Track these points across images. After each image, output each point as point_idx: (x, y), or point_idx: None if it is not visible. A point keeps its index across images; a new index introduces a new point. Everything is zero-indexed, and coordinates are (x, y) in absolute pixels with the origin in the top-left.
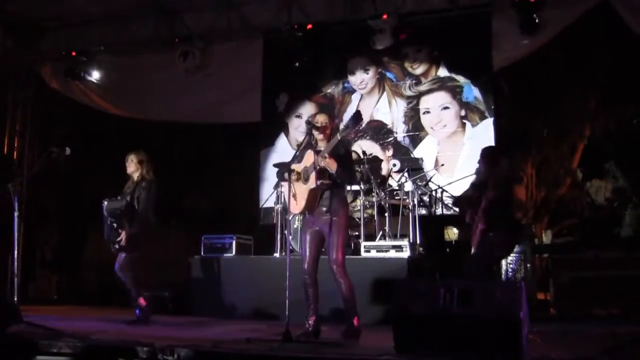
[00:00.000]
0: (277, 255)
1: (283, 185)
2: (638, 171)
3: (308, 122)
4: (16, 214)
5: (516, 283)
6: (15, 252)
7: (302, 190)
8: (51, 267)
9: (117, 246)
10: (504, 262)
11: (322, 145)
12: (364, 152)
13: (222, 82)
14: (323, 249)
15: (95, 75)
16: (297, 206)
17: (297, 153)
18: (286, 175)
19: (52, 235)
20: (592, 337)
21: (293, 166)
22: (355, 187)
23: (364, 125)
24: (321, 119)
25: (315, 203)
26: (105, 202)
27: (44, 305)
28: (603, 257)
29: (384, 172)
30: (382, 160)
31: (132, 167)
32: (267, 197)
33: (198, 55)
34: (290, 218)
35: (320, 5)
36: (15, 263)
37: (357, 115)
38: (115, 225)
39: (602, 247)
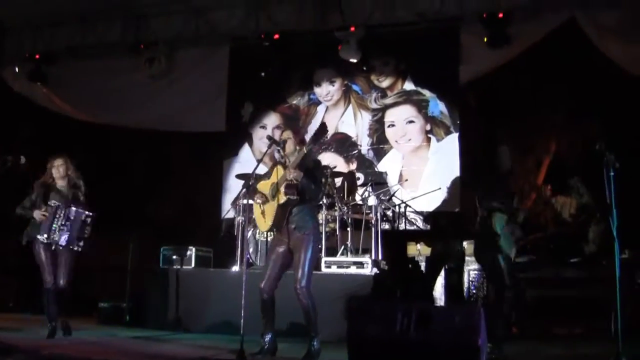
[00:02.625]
0: (236, 268)
1: (242, 199)
2: (602, 188)
3: (269, 138)
4: None
5: (475, 308)
6: None
7: (270, 207)
8: (9, 272)
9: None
10: (466, 278)
11: (285, 161)
12: (326, 166)
13: (187, 90)
14: (288, 269)
15: (59, 79)
16: (265, 223)
17: (258, 170)
18: (257, 196)
19: (10, 239)
20: (552, 357)
21: (260, 183)
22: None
23: (328, 137)
24: (286, 135)
25: (283, 220)
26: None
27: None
28: (565, 277)
29: (356, 187)
30: (355, 176)
31: (62, 171)
32: (229, 208)
33: (164, 62)
34: (249, 233)
35: (289, 15)
36: None
37: (323, 128)
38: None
39: (564, 266)
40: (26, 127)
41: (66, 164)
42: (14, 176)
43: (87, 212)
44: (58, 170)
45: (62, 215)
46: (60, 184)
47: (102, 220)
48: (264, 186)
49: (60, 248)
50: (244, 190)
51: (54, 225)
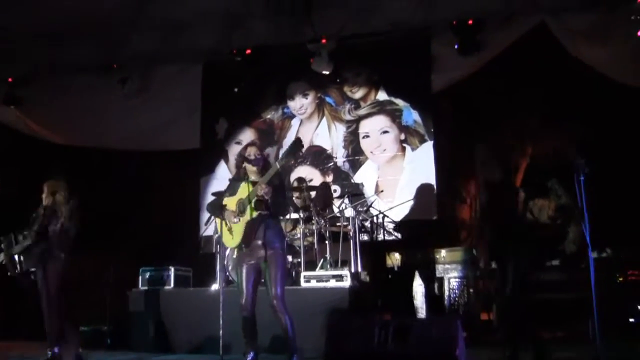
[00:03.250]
0: (215, 286)
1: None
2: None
3: (240, 155)
4: None
5: (453, 319)
6: None
7: (238, 224)
8: None
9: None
10: (446, 287)
11: (253, 177)
12: (302, 179)
13: (161, 107)
14: (262, 281)
15: (31, 101)
16: (233, 240)
17: (229, 187)
18: (225, 213)
19: None
20: None
21: (225, 200)
22: (295, 215)
23: (303, 152)
24: (253, 151)
25: (252, 236)
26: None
27: None
28: (546, 280)
29: (332, 198)
30: (330, 187)
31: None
32: (204, 224)
33: (137, 80)
34: (227, 252)
35: (261, 29)
36: None
37: (297, 143)
38: None
39: (544, 269)
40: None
41: (48, 189)
42: None
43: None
44: (44, 196)
45: None
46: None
47: (80, 242)
48: (230, 202)
49: None
50: (213, 210)
51: None
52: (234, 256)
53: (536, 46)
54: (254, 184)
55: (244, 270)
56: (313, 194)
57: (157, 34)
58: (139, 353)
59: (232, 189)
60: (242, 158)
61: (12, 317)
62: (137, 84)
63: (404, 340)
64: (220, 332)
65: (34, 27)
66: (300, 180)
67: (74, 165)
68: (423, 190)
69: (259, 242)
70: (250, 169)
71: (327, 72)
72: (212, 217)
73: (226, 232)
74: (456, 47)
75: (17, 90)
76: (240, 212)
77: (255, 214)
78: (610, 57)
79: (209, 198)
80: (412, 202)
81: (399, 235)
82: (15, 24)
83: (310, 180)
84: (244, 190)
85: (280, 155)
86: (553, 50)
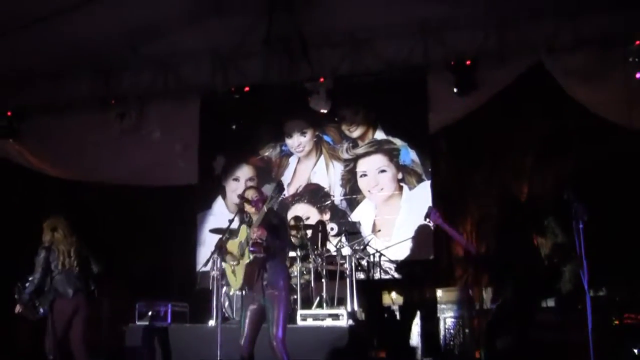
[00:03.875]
0: (212, 322)
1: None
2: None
3: (240, 197)
4: None
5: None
6: None
7: (240, 266)
8: None
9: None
10: (442, 326)
11: (255, 219)
12: (299, 217)
13: (158, 144)
14: (264, 324)
15: (31, 135)
16: (236, 282)
17: (232, 227)
18: (228, 257)
19: None
20: None
21: (230, 243)
22: (292, 253)
23: (301, 189)
24: (251, 194)
25: (253, 277)
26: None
27: None
28: (541, 321)
29: (327, 236)
30: (326, 225)
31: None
32: (204, 262)
33: (134, 116)
34: (224, 288)
35: (257, 67)
36: None
37: (279, 186)
38: None
39: (540, 309)
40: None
41: (47, 227)
42: None
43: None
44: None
45: None
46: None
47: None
48: (233, 245)
49: None
50: (216, 251)
51: None
52: (231, 293)
53: (533, 85)
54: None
55: (248, 314)
56: (309, 232)
57: (154, 70)
58: None
59: (237, 232)
60: (242, 200)
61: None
62: (134, 119)
63: None
64: None
65: (32, 63)
66: (297, 218)
67: (70, 200)
68: (420, 230)
69: (263, 282)
70: (250, 210)
71: (325, 111)
72: (212, 256)
73: (230, 274)
74: (454, 87)
75: (16, 124)
76: (241, 255)
77: (252, 256)
78: (606, 98)
79: (205, 234)
80: (409, 242)
81: (396, 275)
82: (14, 59)
83: (307, 219)
84: (243, 232)
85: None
86: (550, 89)
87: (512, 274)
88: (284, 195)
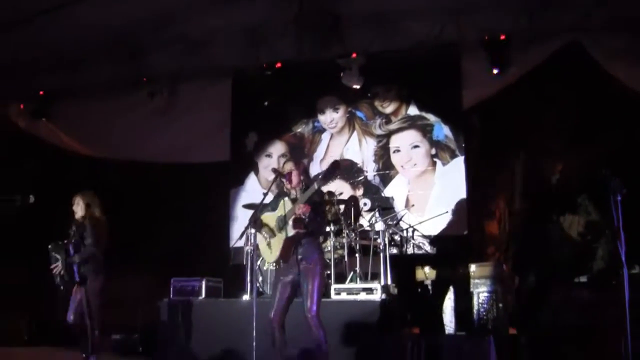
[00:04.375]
0: (246, 297)
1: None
2: (610, 207)
3: (275, 170)
4: None
5: (484, 335)
6: None
7: (276, 239)
8: (23, 307)
9: (59, 276)
10: (475, 301)
11: (292, 193)
12: (332, 192)
13: (190, 122)
14: (295, 298)
15: (63, 115)
16: (271, 255)
17: (269, 201)
18: (264, 229)
19: (22, 274)
20: None
21: (265, 215)
22: (326, 228)
23: (338, 176)
24: (288, 167)
25: (290, 252)
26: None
27: (15, 347)
28: (574, 298)
29: (360, 211)
30: (358, 200)
31: (78, 210)
32: (237, 237)
33: (166, 95)
34: (258, 263)
35: (289, 44)
36: None
37: (335, 166)
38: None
39: (573, 286)
40: (32, 164)
41: (82, 200)
42: (23, 214)
43: (51, 247)
44: (76, 208)
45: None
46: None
47: (111, 253)
48: (269, 219)
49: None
50: (250, 224)
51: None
52: (264, 268)
53: (567, 62)
54: (294, 201)
55: (280, 286)
56: (342, 207)
57: (186, 49)
58: None
59: (274, 205)
60: (277, 174)
61: (41, 324)
62: (166, 98)
63: (436, 357)
64: (254, 343)
65: (65, 43)
66: (330, 193)
67: (104, 178)
68: (453, 205)
69: (298, 257)
70: (287, 184)
71: (358, 87)
72: (246, 230)
73: (265, 247)
74: (487, 64)
75: (48, 104)
76: (280, 228)
77: (293, 231)
78: None
79: (238, 210)
80: (442, 217)
81: (429, 250)
82: (45, 41)
83: (341, 194)
84: (282, 206)
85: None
86: (584, 66)
87: (544, 252)
88: (337, 176)
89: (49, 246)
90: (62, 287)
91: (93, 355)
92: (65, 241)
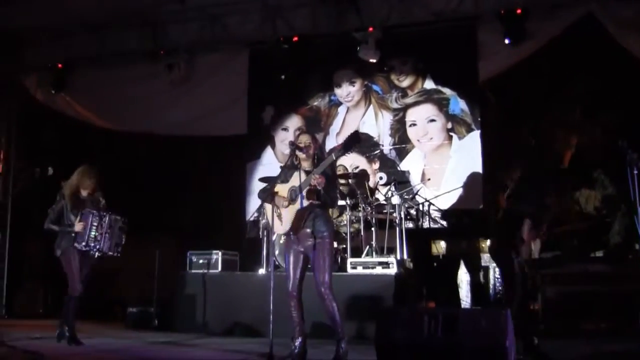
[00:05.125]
0: (262, 271)
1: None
2: (626, 181)
3: (292, 143)
4: None
5: (502, 309)
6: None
7: (289, 211)
8: (38, 279)
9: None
10: (491, 276)
11: (305, 165)
12: (345, 167)
13: (207, 95)
14: (308, 267)
15: (80, 87)
16: (281, 227)
17: (281, 174)
18: (276, 199)
19: (39, 246)
20: (579, 355)
21: (277, 187)
22: (342, 202)
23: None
24: (304, 139)
25: (300, 224)
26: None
27: (30, 320)
28: (590, 271)
29: (371, 184)
30: (368, 174)
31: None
32: (253, 211)
33: (183, 67)
34: (274, 237)
35: (306, 18)
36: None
37: (354, 136)
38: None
39: (589, 260)
40: (49, 136)
41: (95, 176)
42: (42, 186)
43: (123, 219)
44: (88, 179)
45: (99, 223)
46: (84, 193)
47: (128, 226)
48: (281, 190)
49: (97, 255)
50: (264, 195)
51: (93, 234)
52: (280, 241)
53: (582, 36)
54: (307, 173)
55: (292, 257)
56: (352, 181)
57: (202, 22)
58: (184, 334)
59: (284, 176)
60: (293, 146)
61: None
62: (183, 70)
63: (453, 330)
64: (271, 316)
65: (81, 16)
66: (344, 167)
67: (120, 151)
68: (469, 179)
69: (308, 230)
70: (302, 156)
71: (374, 60)
72: (263, 204)
73: (275, 218)
74: (503, 37)
75: (65, 76)
76: (292, 199)
77: (306, 202)
78: None
79: (255, 183)
80: (458, 191)
81: (445, 224)
82: (63, 13)
83: (356, 168)
84: (296, 178)
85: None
86: (599, 40)
87: (557, 226)
88: (358, 146)
89: (97, 212)
90: (91, 253)
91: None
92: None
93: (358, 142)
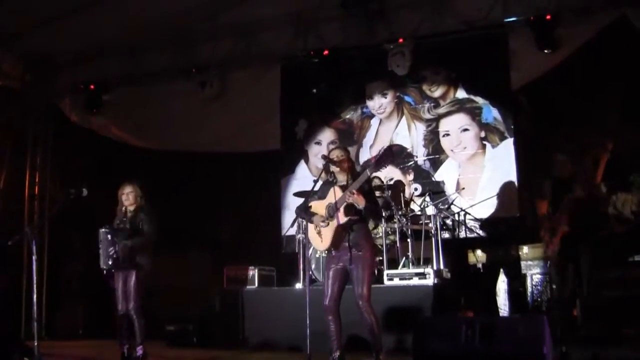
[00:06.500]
0: (299, 286)
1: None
2: None
3: (324, 157)
4: (34, 257)
5: (539, 316)
6: (35, 296)
7: (327, 227)
8: (77, 299)
9: (112, 258)
10: (528, 283)
11: (341, 180)
12: (380, 179)
13: (240, 110)
14: (347, 285)
15: (114, 107)
16: (322, 243)
17: (317, 189)
18: (314, 217)
19: (78, 266)
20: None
21: (313, 203)
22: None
23: (382, 151)
24: (337, 154)
25: (341, 239)
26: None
27: (70, 341)
28: (630, 276)
29: (406, 196)
30: (404, 185)
31: (132, 198)
32: (289, 225)
33: (216, 84)
34: (310, 251)
35: (336, 31)
36: (35, 307)
37: (388, 152)
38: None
39: (629, 265)
40: (86, 157)
41: (135, 190)
42: (78, 207)
43: (106, 226)
44: (128, 197)
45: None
46: (130, 210)
47: (164, 243)
48: (318, 206)
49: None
50: (300, 213)
51: (101, 252)
52: (317, 255)
53: (616, 40)
54: (344, 188)
55: (331, 273)
56: (389, 192)
57: (234, 38)
58: (223, 351)
59: (322, 192)
60: (327, 160)
61: (99, 318)
62: (216, 87)
63: (490, 338)
64: (307, 331)
65: (114, 36)
66: (379, 179)
67: (155, 169)
68: (504, 188)
69: (347, 244)
70: (336, 170)
71: (405, 72)
72: (297, 218)
73: (315, 235)
74: (534, 43)
75: (99, 98)
76: (330, 216)
77: (344, 218)
78: None
79: (290, 198)
80: (494, 200)
81: (481, 233)
82: (96, 33)
83: (391, 179)
84: (332, 194)
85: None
86: (633, 44)
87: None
88: (391, 162)
89: (102, 229)
90: (106, 270)
91: (140, 345)
92: (122, 225)
93: (391, 157)
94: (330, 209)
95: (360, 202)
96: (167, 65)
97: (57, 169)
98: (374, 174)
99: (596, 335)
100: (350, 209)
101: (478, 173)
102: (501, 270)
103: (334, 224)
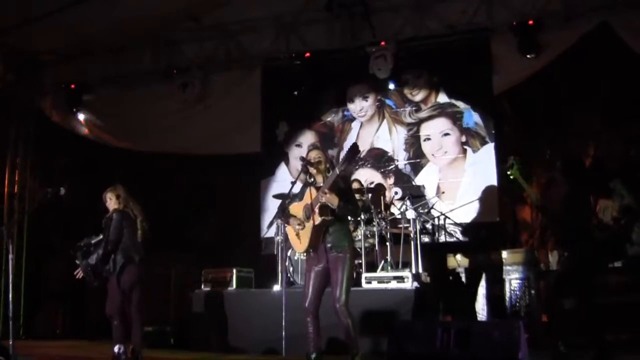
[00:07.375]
0: (277, 287)
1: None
2: None
3: (302, 159)
4: (11, 256)
5: (515, 322)
6: (10, 295)
7: (305, 229)
8: (57, 300)
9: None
10: (507, 288)
11: (319, 181)
12: (359, 182)
13: (221, 112)
14: (327, 287)
15: (95, 108)
16: (301, 245)
17: (294, 191)
18: (291, 220)
19: (58, 266)
20: None
21: (292, 205)
22: (359, 214)
23: (364, 154)
24: (314, 155)
25: (319, 240)
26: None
27: (48, 341)
28: (610, 282)
29: (386, 199)
30: (385, 189)
31: (112, 203)
32: (267, 227)
33: (197, 86)
34: (289, 253)
35: (318, 34)
36: (11, 306)
37: (354, 148)
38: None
39: (608, 271)
40: (65, 157)
41: (114, 195)
42: (55, 207)
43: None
44: (109, 202)
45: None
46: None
47: (143, 244)
48: (297, 208)
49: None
50: (279, 214)
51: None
52: (295, 258)
53: (598, 46)
54: (318, 189)
55: (312, 275)
56: (369, 195)
57: (216, 40)
58: (200, 353)
59: (301, 194)
60: (305, 162)
61: (78, 319)
62: (197, 89)
63: (466, 343)
64: (284, 332)
65: (95, 36)
66: (359, 182)
67: (135, 170)
68: (485, 192)
69: (328, 245)
70: (313, 171)
71: (387, 75)
72: (275, 220)
73: (294, 237)
74: (517, 48)
75: (80, 97)
76: (307, 217)
77: (319, 219)
78: None
79: (270, 200)
80: (474, 204)
81: (461, 237)
82: (77, 33)
83: (371, 183)
84: (309, 195)
85: (340, 160)
86: (614, 50)
87: (576, 236)
88: (359, 156)
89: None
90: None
91: (119, 344)
92: (81, 244)
93: (357, 153)
94: (307, 210)
95: (333, 202)
96: (149, 67)
97: (38, 168)
98: (354, 177)
99: (572, 341)
100: (324, 209)
101: (459, 177)
102: (478, 274)
103: (311, 225)
